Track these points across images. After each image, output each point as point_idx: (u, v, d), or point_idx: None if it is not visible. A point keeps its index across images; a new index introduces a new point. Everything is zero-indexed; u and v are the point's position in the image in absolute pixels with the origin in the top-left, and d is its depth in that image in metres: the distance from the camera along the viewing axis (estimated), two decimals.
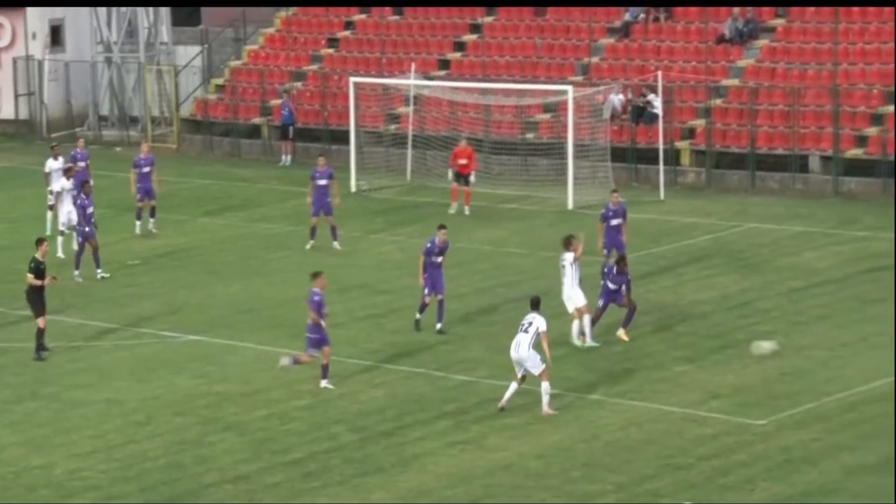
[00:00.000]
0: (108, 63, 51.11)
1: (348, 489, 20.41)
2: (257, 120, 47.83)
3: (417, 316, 27.40)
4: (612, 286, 26.43)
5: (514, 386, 23.15)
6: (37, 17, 52.02)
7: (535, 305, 23.32)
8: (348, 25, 49.68)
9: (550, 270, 28.44)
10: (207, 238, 35.68)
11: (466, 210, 37.34)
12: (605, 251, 29.27)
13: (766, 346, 25.56)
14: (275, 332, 27.59)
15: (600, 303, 26.52)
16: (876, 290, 29.40)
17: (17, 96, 51.80)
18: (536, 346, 22.93)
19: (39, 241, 27.13)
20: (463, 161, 37.86)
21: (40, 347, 26.38)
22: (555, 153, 40.05)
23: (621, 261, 26.67)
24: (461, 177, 37.77)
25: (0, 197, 40.64)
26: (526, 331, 23.03)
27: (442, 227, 27.72)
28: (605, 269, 26.80)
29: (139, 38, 50.97)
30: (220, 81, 49.73)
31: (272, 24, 50.71)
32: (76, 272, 31.45)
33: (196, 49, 51.66)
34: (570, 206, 38.04)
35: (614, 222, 29.75)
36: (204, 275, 32.19)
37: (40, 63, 51.65)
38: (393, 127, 44.35)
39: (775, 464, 20.72)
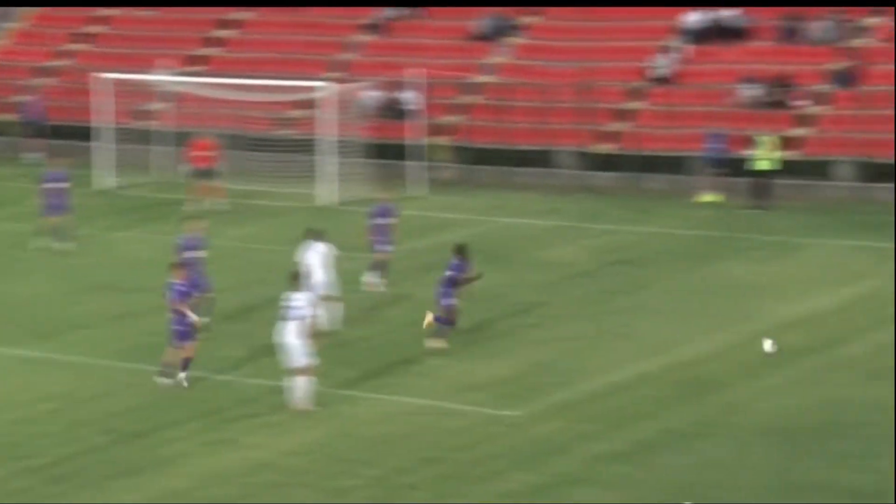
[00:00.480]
0: None
1: (101, 492, 19.98)
2: (5, 117, 46.55)
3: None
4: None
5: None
6: None
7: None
8: (102, 20, 48.73)
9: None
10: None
11: (214, 204, 37.04)
12: (374, 247, 29.26)
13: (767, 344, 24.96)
14: (21, 334, 26.85)
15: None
16: (621, 282, 30.14)
17: None
18: (300, 335, 22.74)
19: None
20: (200, 154, 37.65)
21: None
22: (310, 149, 39.96)
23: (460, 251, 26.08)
24: (201, 172, 37.51)
25: None
26: (289, 317, 22.72)
27: (189, 219, 27.31)
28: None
29: None
30: None
31: (18, 19, 49.40)
32: None
33: None
34: (326, 201, 38.03)
35: (381, 221, 29.65)
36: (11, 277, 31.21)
37: None
38: (147, 123, 43.63)
39: (527, 454, 21.02)
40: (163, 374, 24.12)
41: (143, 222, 36.34)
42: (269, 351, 24.29)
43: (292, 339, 22.90)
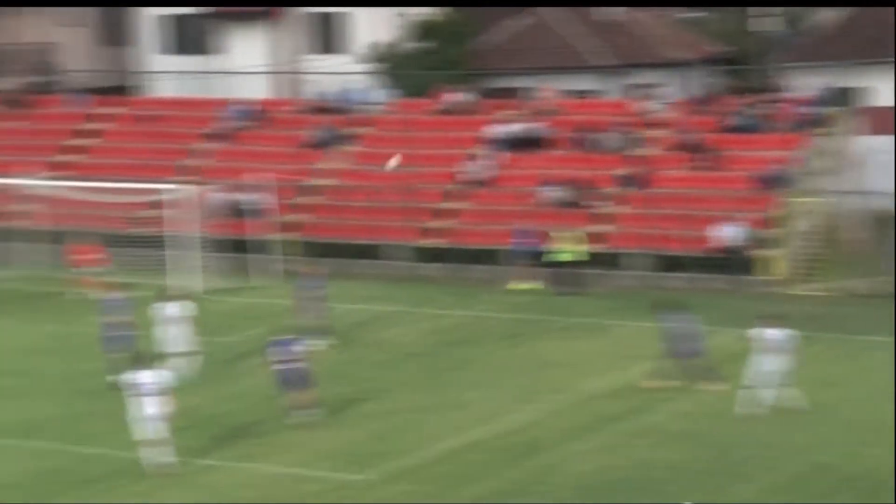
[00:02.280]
0: None
1: None
2: None
3: None
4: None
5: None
6: None
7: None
8: None
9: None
10: None
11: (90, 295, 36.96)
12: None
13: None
14: None
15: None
16: (451, 360, 30.58)
17: None
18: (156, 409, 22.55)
19: None
20: (79, 256, 37.66)
21: None
22: (166, 245, 39.73)
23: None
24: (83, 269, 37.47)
25: None
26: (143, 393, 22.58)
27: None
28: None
29: None
30: None
31: None
32: None
33: None
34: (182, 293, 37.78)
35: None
36: None
37: None
38: (13, 222, 42.88)
39: None
40: None
41: (18, 311, 35.64)
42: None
43: (148, 413, 22.63)
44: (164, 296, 29.03)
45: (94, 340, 30.14)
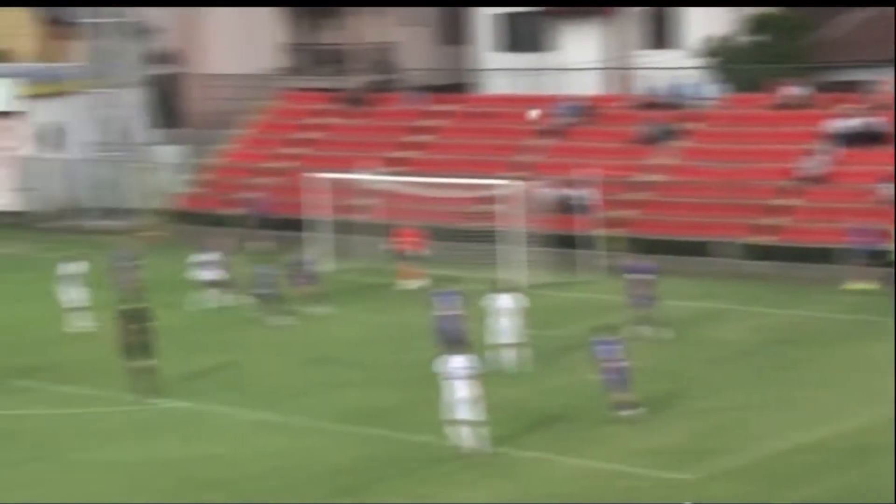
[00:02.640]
0: (100, 161, 51.28)
1: None
2: (232, 211, 47.95)
3: None
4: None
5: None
6: (37, 121, 52.24)
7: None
8: (312, 128, 50.15)
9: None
10: (197, 317, 35.49)
11: (417, 285, 37.95)
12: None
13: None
14: (249, 397, 27.52)
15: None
16: (779, 359, 29.86)
17: (17, 191, 51.82)
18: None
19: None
20: (404, 240, 39.05)
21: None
22: (496, 240, 40.42)
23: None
24: (404, 256, 38.90)
25: (8, 279, 40.41)
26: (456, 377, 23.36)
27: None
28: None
29: (127, 139, 51.21)
30: (202, 177, 49.95)
31: (246, 127, 51.06)
32: None
33: (176, 149, 51.94)
34: (511, 287, 38.39)
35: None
36: (192, 350, 31.97)
37: (41, 161, 51.77)
38: (357, 217, 44.57)
39: None
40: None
41: (356, 303, 37.05)
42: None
43: (459, 397, 23.37)
44: (497, 288, 29.73)
45: (425, 330, 31.08)
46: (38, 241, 47.54)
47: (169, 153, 51.68)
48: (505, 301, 29.44)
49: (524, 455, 23.89)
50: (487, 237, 40.85)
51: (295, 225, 45.94)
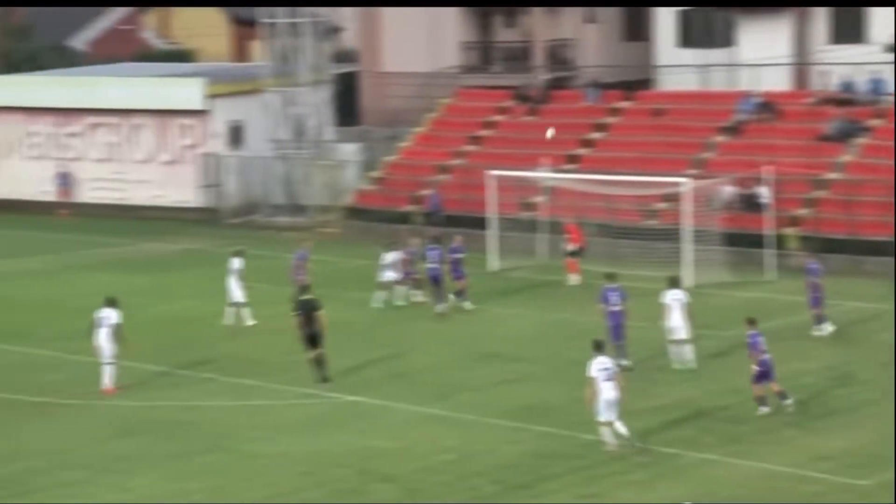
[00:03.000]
0: (281, 159, 52.23)
1: None
2: (408, 208, 48.35)
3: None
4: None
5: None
6: (219, 120, 53.43)
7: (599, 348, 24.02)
8: (488, 125, 50.21)
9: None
10: (369, 311, 35.99)
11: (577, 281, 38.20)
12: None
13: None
14: (421, 393, 27.67)
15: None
16: None
17: (202, 187, 53.06)
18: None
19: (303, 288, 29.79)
20: (570, 236, 39.33)
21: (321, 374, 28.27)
22: (672, 238, 39.90)
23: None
24: (575, 251, 39.14)
25: (188, 275, 41.35)
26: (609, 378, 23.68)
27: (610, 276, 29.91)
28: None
29: (307, 137, 52.05)
30: (376, 174, 50.48)
31: (422, 124, 51.41)
32: None
33: (356, 146, 52.58)
34: (687, 285, 37.87)
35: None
36: (361, 342, 32.52)
37: (222, 159, 52.94)
38: (528, 214, 44.53)
39: None
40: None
41: (526, 300, 36.96)
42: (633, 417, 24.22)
43: (607, 397, 23.50)
44: (672, 285, 29.55)
45: (593, 328, 30.78)
46: (221, 237, 48.63)
47: (348, 151, 52.37)
48: (678, 298, 29.04)
49: (698, 456, 23.48)
50: (667, 235, 40.34)
51: (468, 222, 46.10)
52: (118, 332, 28.68)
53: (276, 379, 29.38)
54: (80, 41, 77.61)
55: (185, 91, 53.45)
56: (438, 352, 31.24)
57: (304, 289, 29.97)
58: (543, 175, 43.27)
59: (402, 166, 49.99)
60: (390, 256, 36.72)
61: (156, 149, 53.99)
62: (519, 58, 53.65)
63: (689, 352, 29.24)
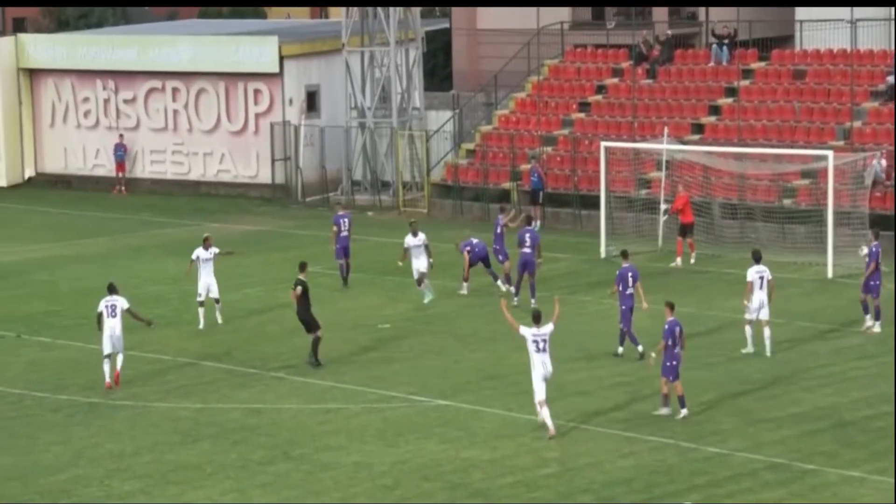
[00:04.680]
0: (362, 128, 52.35)
1: None
2: (507, 185, 48.27)
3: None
4: None
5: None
6: (293, 84, 53.65)
7: None
8: (600, 89, 49.92)
9: (815, 345, 27.95)
10: (459, 303, 36.04)
11: (692, 259, 38.10)
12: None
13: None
14: (518, 398, 27.66)
15: None
16: None
17: (273, 161, 53.39)
18: None
19: (303, 265, 30.57)
20: (679, 208, 39.29)
21: (315, 357, 29.79)
22: (814, 220, 39.37)
23: None
24: (685, 227, 39.14)
25: (255, 260, 41.59)
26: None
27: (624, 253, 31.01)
28: None
29: (392, 104, 52.08)
30: (470, 146, 50.42)
31: (523, 89, 51.24)
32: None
33: (447, 114, 52.52)
34: (830, 274, 37.37)
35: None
36: (450, 339, 32.52)
37: (296, 128, 53.19)
38: (644, 192, 44.24)
39: None
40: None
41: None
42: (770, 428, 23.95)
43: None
44: (756, 259, 30.25)
45: (722, 323, 30.53)
46: (293, 217, 48.99)
47: (438, 119, 52.34)
48: (760, 273, 30.03)
49: (840, 473, 23.14)
50: (802, 217, 39.88)
51: (575, 201, 45.91)
52: (136, 316, 29.35)
53: (353, 379, 29.50)
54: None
55: (255, 51, 53.73)
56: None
57: (303, 266, 30.70)
58: (663, 147, 42.94)
59: (499, 137, 49.90)
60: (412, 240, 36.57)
61: (221, 117, 54.41)
62: (636, 12, 53.21)
63: (766, 336, 29.57)
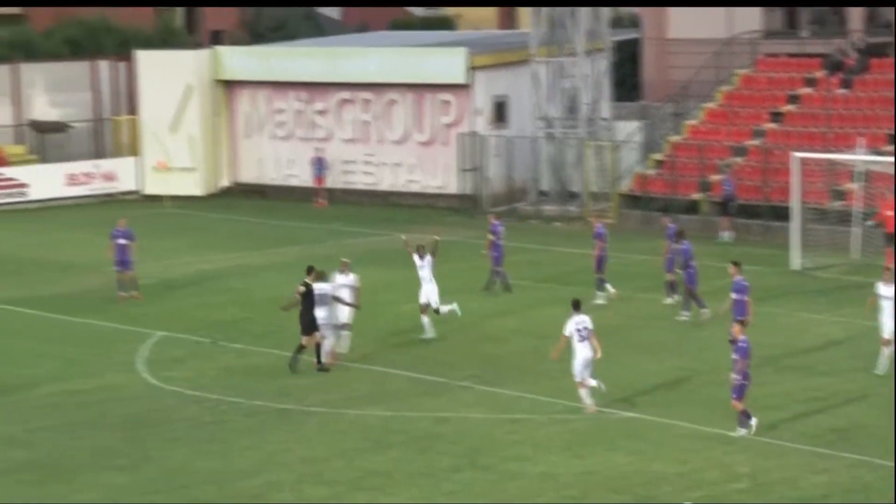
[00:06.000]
0: (549, 139, 52.24)
1: None
2: (696, 195, 47.70)
3: None
4: None
5: None
6: (482, 95, 53.78)
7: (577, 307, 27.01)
8: (792, 99, 49.07)
9: None
10: (639, 314, 35.71)
11: None
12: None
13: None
14: (707, 410, 27.25)
15: None
16: None
17: (461, 172, 53.57)
18: None
19: (310, 269, 31.36)
20: (889, 213, 37.77)
21: (295, 360, 30.71)
22: None
23: None
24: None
25: (440, 270, 41.56)
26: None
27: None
28: None
29: (580, 114, 51.87)
30: (659, 156, 49.97)
31: (713, 99, 50.63)
32: None
33: (635, 124, 52.13)
34: None
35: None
36: (635, 351, 32.23)
37: (484, 139, 53.30)
38: (838, 203, 43.33)
39: None
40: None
41: (835, 306, 35.92)
42: None
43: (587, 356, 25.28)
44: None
45: None
46: (481, 227, 48.96)
47: (627, 129, 51.99)
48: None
49: None
50: None
51: (766, 212, 45.19)
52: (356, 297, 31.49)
53: (540, 389, 29.37)
54: (332, 8, 79.53)
55: (444, 62, 54.02)
56: (727, 362, 30.60)
57: (320, 275, 31.39)
58: (859, 157, 42.00)
59: (689, 147, 49.36)
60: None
61: (411, 127, 54.79)
62: (831, 20, 52.19)
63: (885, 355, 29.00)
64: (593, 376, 27.24)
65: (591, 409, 27.26)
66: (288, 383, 30.04)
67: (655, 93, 55.42)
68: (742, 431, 25.68)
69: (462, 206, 53.20)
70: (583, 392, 27.32)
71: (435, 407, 28.45)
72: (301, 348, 30.94)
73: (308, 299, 30.91)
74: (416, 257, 34.36)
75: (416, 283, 34.84)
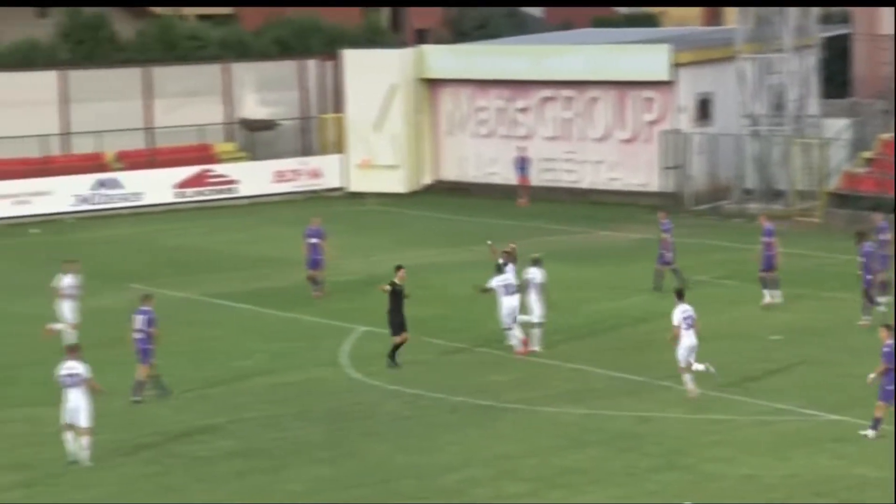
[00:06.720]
0: (755, 136, 51.45)
1: None
2: None
3: None
4: None
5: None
6: (686, 92, 53.25)
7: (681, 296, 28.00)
8: None
9: None
10: (846, 316, 34.90)
11: None
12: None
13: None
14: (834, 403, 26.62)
15: None
16: None
17: (664, 169, 53.10)
18: None
19: (398, 268, 31.51)
20: None
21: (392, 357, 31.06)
22: None
23: None
24: None
25: (639, 268, 41.33)
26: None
27: None
28: None
29: (786, 111, 50.99)
30: (869, 154, 48.83)
31: None
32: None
33: (845, 121, 51.02)
34: None
35: None
36: (841, 353, 31.53)
37: (687, 136, 52.75)
38: None
39: None
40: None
41: None
42: None
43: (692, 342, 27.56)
44: None
45: None
46: (683, 225, 48.42)
47: (835, 127, 50.93)
48: None
49: None
50: None
51: None
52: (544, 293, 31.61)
53: (741, 390, 28.94)
54: (536, 6, 79.56)
55: (648, 59, 53.63)
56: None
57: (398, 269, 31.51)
58: None
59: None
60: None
61: (613, 125, 54.49)
62: None
63: None
64: (699, 361, 27.93)
65: (693, 393, 27.95)
66: (486, 380, 30.11)
67: (866, 89, 54.15)
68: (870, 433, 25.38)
69: (664, 204, 52.65)
70: (687, 377, 28.10)
71: (634, 406, 28.24)
72: (396, 347, 31.16)
73: (396, 299, 31.03)
74: (503, 264, 32.47)
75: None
